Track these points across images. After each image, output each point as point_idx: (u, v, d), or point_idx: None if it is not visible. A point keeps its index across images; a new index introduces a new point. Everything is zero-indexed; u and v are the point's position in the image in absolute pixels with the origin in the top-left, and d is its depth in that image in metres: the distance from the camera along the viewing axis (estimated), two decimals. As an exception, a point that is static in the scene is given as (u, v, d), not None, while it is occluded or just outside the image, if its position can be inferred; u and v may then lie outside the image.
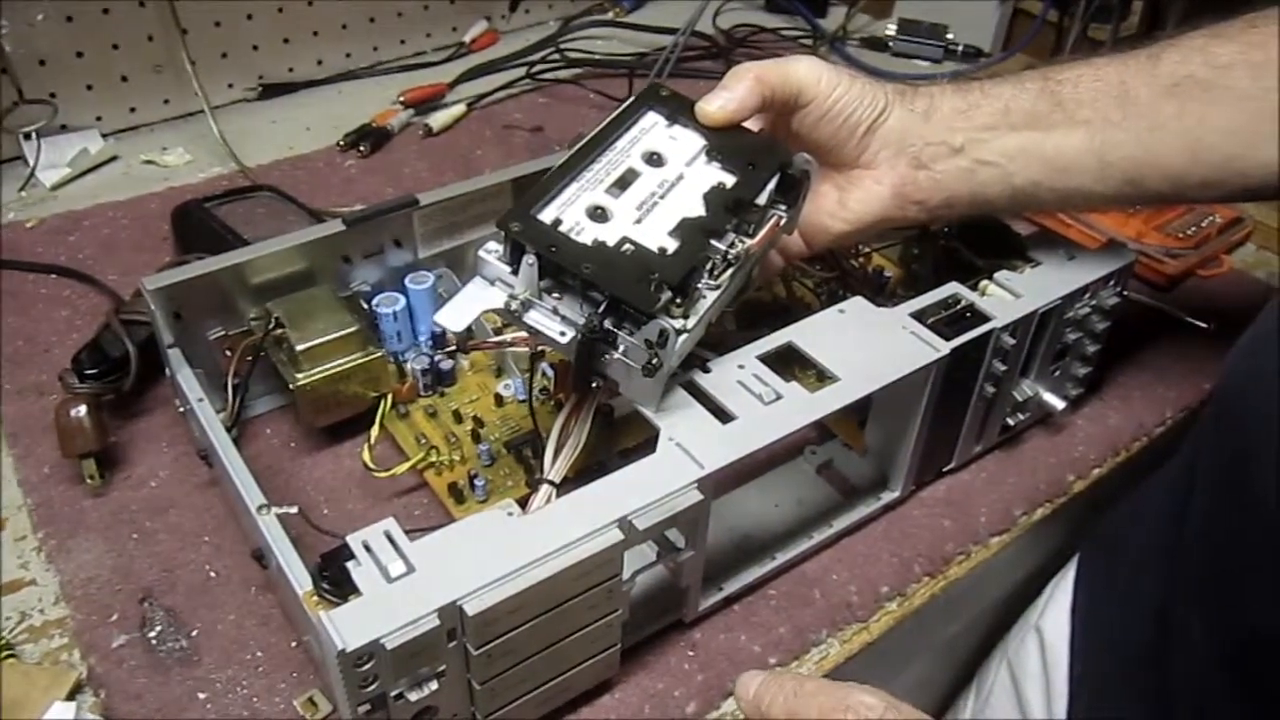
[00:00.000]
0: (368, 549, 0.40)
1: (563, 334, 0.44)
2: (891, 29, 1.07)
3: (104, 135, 0.85)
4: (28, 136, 0.80)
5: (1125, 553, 0.57)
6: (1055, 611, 0.61)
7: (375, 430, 0.54)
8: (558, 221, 0.45)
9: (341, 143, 0.86)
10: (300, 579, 0.42)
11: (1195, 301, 0.73)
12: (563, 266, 0.43)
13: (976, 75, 0.56)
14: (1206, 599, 0.46)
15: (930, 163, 0.53)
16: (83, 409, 0.55)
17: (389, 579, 0.39)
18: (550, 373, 0.57)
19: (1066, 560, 0.63)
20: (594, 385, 0.47)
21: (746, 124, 0.51)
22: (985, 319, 0.53)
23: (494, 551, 0.40)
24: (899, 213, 0.54)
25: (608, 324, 0.43)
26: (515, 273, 0.44)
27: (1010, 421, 0.60)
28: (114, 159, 0.84)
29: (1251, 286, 0.77)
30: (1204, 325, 0.70)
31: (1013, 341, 0.54)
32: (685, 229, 0.46)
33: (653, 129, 0.51)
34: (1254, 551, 0.43)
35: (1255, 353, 0.43)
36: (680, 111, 0.51)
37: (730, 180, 0.48)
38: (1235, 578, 0.44)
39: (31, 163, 0.80)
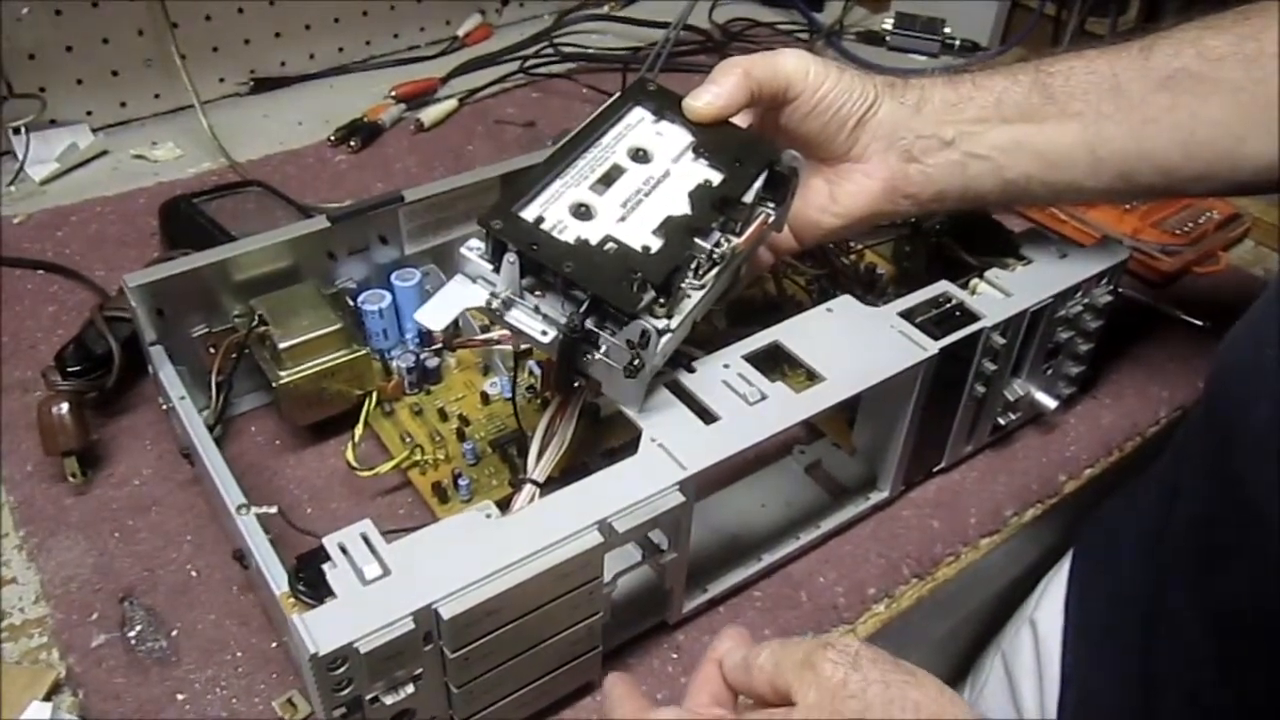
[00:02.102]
0: (344, 551, 0.40)
1: (544, 333, 0.44)
2: (888, 23, 1.05)
3: (94, 130, 0.84)
4: (16, 131, 0.80)
5: (1117, 546, 0.57)
6: (1049, 604, 0.60)
7: (359, 428, 0.54)
8: (540, 219, 0.44)
9: (332, 138, 0.85)
10: (278, 580, 0.42)
11: (1191, 299, 0.72)
12: (544, 265, 0.43)
13: (969, 68, 0.55)
14: (1193, 584, 0.46)
15: (921, 156, 0.52)
16: (65, 406, 0.55)
17: (364, 581, 0.38)
18: (537, 371, 0.57)
19: (1059, 559, 0.62)
20: (577, 385, 0.46)
21: (735, 120, 0.50)
22: (974, 318, 0.52)
23: (471, 554, 0.39)
24: (890, 206, 0.54)
25: (589, 324, 0.43)
26: (497, 271, 0.44)
27: (1001, 421, 0.60)
28: (103, 154, 0.83)
29: (1248, 283, 0.76)
30: (1199, 323, 0.70)
31: (1003, 341, 0.54)
32: (670, 227, 0.45)
33: (639, 125, 0.50)
34: (1237, 535, 0.42)
35: (1245, 336, 0.43)
36: (667, 107, 0.50)
37: (717, 177, 0.48)
38: (1220, 562, 0.44)
39: (20, 157, 0.79)
